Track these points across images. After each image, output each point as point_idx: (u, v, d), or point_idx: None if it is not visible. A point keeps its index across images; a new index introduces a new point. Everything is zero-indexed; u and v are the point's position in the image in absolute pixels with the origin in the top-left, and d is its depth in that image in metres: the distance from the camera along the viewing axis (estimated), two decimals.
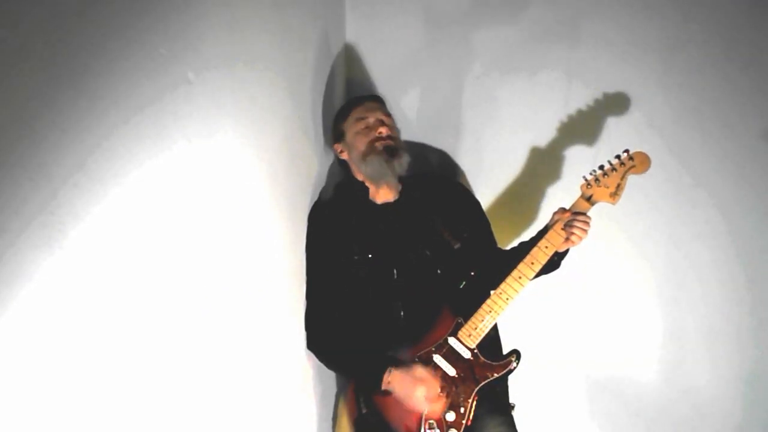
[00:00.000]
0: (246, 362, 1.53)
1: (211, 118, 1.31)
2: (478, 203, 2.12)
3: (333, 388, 2.22)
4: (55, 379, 0.89)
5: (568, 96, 2.31)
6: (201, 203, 1.29)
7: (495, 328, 1.92)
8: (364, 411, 1.92)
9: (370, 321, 1.91)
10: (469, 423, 1.82)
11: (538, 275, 1.85)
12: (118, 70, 1.00)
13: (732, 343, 2.30)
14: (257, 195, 1.60)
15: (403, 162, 1.97)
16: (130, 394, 1.05)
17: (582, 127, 2.30)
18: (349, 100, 2.16)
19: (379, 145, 1.95)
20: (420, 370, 1.80)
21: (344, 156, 2.05)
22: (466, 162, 2.39)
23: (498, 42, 2.30)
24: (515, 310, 2.27)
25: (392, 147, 1.96)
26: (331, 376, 2.20)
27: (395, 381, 1.80)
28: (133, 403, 1.06)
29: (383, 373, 1.81)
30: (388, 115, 2.05)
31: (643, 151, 1.81)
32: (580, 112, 2.29)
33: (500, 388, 1.96)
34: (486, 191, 2.36)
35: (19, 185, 0.82)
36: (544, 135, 2.34)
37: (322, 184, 2.14)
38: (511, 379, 1.94)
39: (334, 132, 2.10)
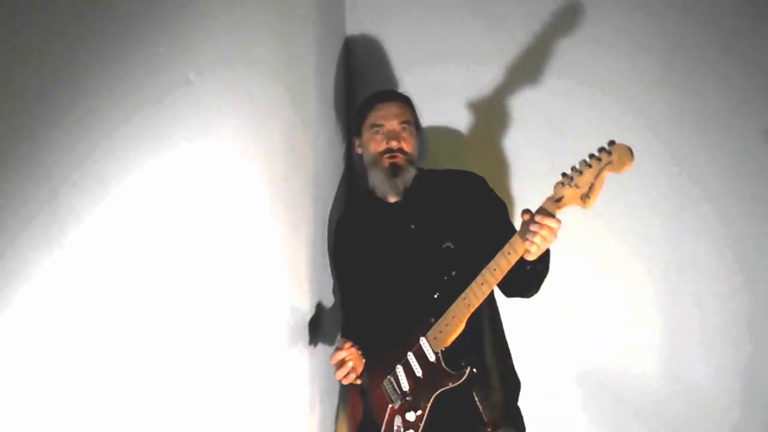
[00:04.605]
0: (247, 362, 1.53)
1: (212, 117, 1.31)
2: (502, 203, 1.94)
3: (335, 388, 2.22)
4: (54, 378, 0.89)
5: (568, 95, 2.32)
6: (201, 203, 1.29)
7: (475, 336, 1.80)
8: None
9: (376, 319, 1.93)
10: (423, 427, 1.76)
11: (521, 283, 1.74)
12: (118, 70, 1.00)
13: (730, 341, 2.31)
14: (257, 194, 1.61)
15: (407, 178, 1.91)
16: (129, 394, 1.05)
17: (581, 127, 2.30)
18: (373, 95, 2.02)
19: (385, 160, 1.91)
20: (339, 341, 1.87)
21: (360, 152, 2.05)
22: (465, 160, 2.39)
23: (497, 40, 2.30)
24: (516, 310, 2.27)
25: (397, 165, 1.90)
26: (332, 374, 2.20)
27: None
28: (133, 402, 1.06)
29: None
30: (407, 121, 1.94)
31: (626, 144, 1.46)
32: (578, 112, 2.29)
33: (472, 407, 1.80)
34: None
35: (19, 185, 0.82)
36: (543, 133, 2.34)
37: (322, 184, 2.14)
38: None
39: (355, 125, 2.08)
